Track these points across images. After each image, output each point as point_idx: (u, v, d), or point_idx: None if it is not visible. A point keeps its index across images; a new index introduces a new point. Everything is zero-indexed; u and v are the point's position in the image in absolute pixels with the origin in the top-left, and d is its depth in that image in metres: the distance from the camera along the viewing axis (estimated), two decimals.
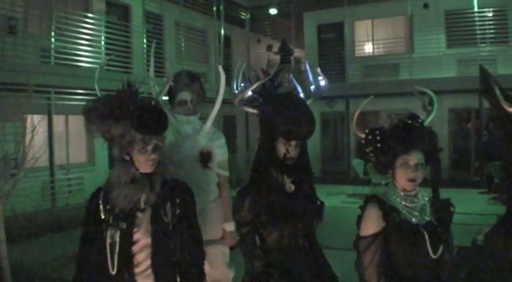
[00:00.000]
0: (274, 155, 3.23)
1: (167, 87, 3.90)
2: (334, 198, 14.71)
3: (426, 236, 2.81)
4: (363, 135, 2.96)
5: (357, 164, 16.02)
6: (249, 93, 3.51)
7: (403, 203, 2.90)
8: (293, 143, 3.21)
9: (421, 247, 2.81)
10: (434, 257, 2.81)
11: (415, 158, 2.83)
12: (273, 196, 3.20)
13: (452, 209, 2.95)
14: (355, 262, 2.93)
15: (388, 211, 2.87)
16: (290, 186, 3.27)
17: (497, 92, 2.34)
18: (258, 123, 3.40)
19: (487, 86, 2.38)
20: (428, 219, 2.89)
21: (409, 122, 2.87)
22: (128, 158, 2.84)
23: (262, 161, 3.26)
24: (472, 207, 11.53)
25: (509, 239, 2.23)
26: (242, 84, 3.44)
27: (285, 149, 3.20)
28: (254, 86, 3.52)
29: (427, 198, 2.93)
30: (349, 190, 15.98)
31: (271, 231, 3.23)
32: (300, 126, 3.18)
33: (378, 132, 2.93)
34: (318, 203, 3.43)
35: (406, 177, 2.87)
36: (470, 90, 14.73)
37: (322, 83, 3.99)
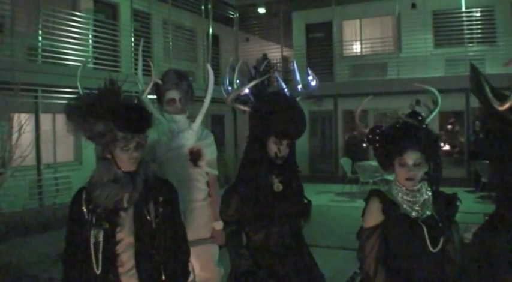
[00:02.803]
0: (265, 154, 3.23)
1: (150, 86, 3.88)
2: (322, 197, 14.74)
3: (425, 230, 2.87)
4: (366, 131, 3.04)
5: (344, 162, 16.07)
6: (246, 91, 3.51)
7: (405, 197, 2.97)
8: (284, 142, 3.22)
9: (420, 240, 2.88)
10: (433, 250, 2.86)
11: (411, 158, 2.89)
12: (261, 195, 3.20)
13: (458, 202, 3.01)
14: (357, 251, 3.04)
15: (388, 205, 2.96)
16: (278, 186, 3.27)
17: (488, 90, 2.35)
18: (249, 121, 3.40)
19: (478, 84, 2.39)
20: (430, 213, 2.93)
21: (407, 121, 2.92)
22: (109, 156, 2.82)
23: (252, 160, 3.25)
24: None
25: (497, 237, 2.25)
26: (238, 81, 3.43)
27: (277, 148, 3.20)
28: (252, 84, 3.53)
29: (430, 193, 2.99)
30: (337, 189, 16.02)
31: (258, 231, 3.23)
32: (295, 126, 3.20)
33: (377, 131, 2.98)
34: (305, 202, 3.44)
35: (403, 176, 2.94)
36: (458, 89, 14.83)
37: (313, 83, 4.01)
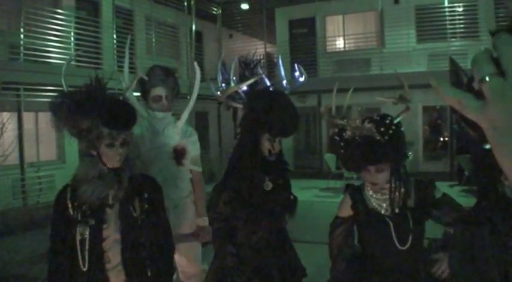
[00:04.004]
0: (258, 151, 3.25)
1: (134, 82, 3.86)
2: (307, 193, 14.78)
3: (391, 227, 2.91)
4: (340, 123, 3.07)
5: (329, 158, 16.11)
6: (244, 88, 3.50)
7: (374, 195, 3.01)
8: (277, 139, 3.25)
9: (387, 237, 2.92)
10: (401, 248, 2.90)
11: (375, 167, 2.91)
12: (252, 193, 3.22)
13: (433, 187, 3.09)
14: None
15: (358, 201, 3.09)
16: (268, 184, 3.29)
17: (467, 83, 2.37)
18: (242, 118, 3.40)
19: (457, 78, 2.42)
20: (398, 211, 2.97)
21: (365, 137, 2.91)
22: (95, 153, 2.83)
23: (245, 157, 3.26)
24: None
25: (478, 228, 2.28)
26: (234, 78, 3.42)
27: (270, 145, 3.23)
28: (251, 81, 3.52)
29: (403, 189, 3.01)
30: (321, 184, 16.07)
31: (245, 227, 3.24)
32: (291, 124, 3.24)
33: (343, 136, 3.00)
34: (292, 198, 3.46)
35: (367, 180, 3.00)
36: None
37: (301, 79, 4.01)
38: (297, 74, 3.98)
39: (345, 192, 3.24)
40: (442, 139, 18.84)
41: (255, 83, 3.65)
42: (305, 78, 4.01)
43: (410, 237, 2.94)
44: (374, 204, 3.05)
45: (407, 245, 2.94)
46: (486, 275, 2.23)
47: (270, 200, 3.28)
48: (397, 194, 2.98)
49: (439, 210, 3.04)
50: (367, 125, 2.94)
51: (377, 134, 2.89)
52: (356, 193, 3.17)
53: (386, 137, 2.88)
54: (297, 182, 16.35)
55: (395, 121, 3.00)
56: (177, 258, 4.10)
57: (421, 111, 18.48)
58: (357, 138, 2.95)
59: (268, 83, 3.80)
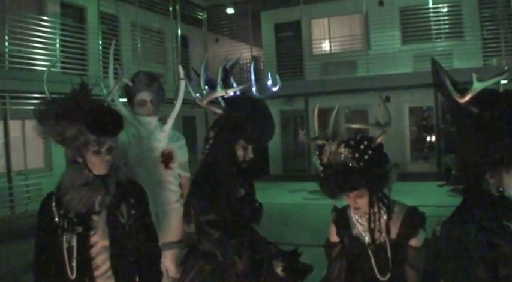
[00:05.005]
0: (234, 158, 3.23)
1: (116, 87, 3.80)
2: (295, 195, 14.82)
3: (372, 258, 2.90)
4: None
5: (317, 160, 16.09)
6: (231, 93, 3.46)
7: (359, 220, 3.01)
8: (251, 146, 3.24)
9: (367, 267, 2.92)
10: (381, 279, 2.89)
11: (353, 194, 2.89)
12: (228, 200, 3.20)
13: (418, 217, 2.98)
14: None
15: (342, 228, 3.08)
16: (240, 191, 3.28)
17: (448, 83, 2.39)
18: (219, 124, 3.36)
19: (439, 78, 2.43)
20: (383, 240, 2.94)
21: (337, 167, 2.84)
22: (81, 160, 2.81)
23: (222, 164, 3.23)
24: (431, 199, 11.72)
25: (464, 227, 2.30)
26: (221, 82, 3.37)
27: (244, 152, 3.22)
28: (239, 88, 3.48)
29: (385, 217, 2.95)
30: (310, 187, 16.04)
31: (223, 236, 3.18)
32: (269, 134, 3.25)
33: (322, 160, 2.94)
34: (257, 205, 3.45)
35: (349, 205, 2.98)
36: (427, 85, 15.01)
37: (274, 88, 3.93)
38: (269, 82, 3.93)
39: (331, 217, 3.18)
40: (429, 139, 18.94)
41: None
42: (278, 87, 3.94)
43: (390, 268, 2.92)
44: (359, 229, 3.01)
45: (388, 276, 2.93)
46: (474, 273, 2.24)
47: (243, 206, 3.27)
48: (377, 222, 2.93)
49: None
50: (343, 150, 2.84)
51: (352, 160, 2.80)
52: (340, 218, 3.11)
53: (361, 164, 2.78)
54: (285, 185, 16.44)
55: (374, 144, 2.88)
56: (165, 263, 4.09)
57: (407, 112, 18.57)
58: (332, 164, 2.87)
59: (254, 91, 3.72)
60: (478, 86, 2.30)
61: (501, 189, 2.29)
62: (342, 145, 2.86)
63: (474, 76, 2.29)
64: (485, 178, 2.32)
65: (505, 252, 2.23)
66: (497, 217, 2.27)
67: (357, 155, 2.79)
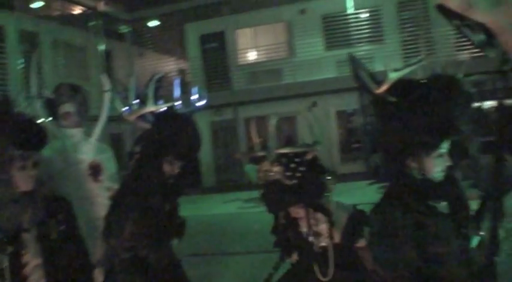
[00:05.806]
0: (160, 174, 3.18)
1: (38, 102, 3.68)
2: (230, 206, 14.86)
3: (315, 260, 2.96)
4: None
5: (250, 169, 16.09)
6: (164, 108, 3.39)
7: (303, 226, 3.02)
8: (177, 162, 3.22)
9: (311, 269, 2.96)
10: (323, 279, 2.94)
11: (295, 211, 2.94)
12: (156, 217, 3.15)
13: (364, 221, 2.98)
14: None
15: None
16: (166, 206, 3.25)
17: (365, 75, 2.49)
18: (144, 140, 3.29)
19: (356, 71, 2.53)
20: (325, 244, 2.97)
21: (273, 181, 2.87)
22: (6, 177, 2.73)
23: (146, 181, 3.17)
24: (362, 198, 11.97)
25: (392, 210, 2.39)
26: (152, 97, 3.29)
27: (170, 167, 3.18)
28: (171, 104, 3.42)
29: (324, 225, 2.98)
30: (244, 196, 16.11)
31: (150, 253, 3.13)
32: (196, 149, 3.23)
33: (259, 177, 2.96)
34: (181, 220, 3.44)
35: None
36: (351, 88, 15.39)
37: (199, 103, 3.90)
38: (195, 97, 3.86)
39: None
40: (356, 141, 19.39)
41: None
42: (205, 102, 3.89)
43: (332, 269, 2.93)
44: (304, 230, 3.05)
45: (329, 277, 2.94)
46: (405, 255, 2.32)
47: (170, 222, 3.25)
48: (318, 229, 2.96)
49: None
50: (276, 168, 2.86)
51: (285, 178, 2.83)
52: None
53: (294, 181, 2.81)
54: (220, 196, 16.36)
55: (307, 159, 2.89)
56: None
57: (334, 116, 18.96)
58: (266, 183, 2.90)
59: (180, 106, 3.65)
60: (393, 76, 2.42)
61: (423, 172, 2.39)
62: (275, 164, 2.87)
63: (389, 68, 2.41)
64: (407, 163, 2.42)
65: (432, 232, 2.33)
66: (422, 198, 2.37)
67: (288, 173, 2.82)
